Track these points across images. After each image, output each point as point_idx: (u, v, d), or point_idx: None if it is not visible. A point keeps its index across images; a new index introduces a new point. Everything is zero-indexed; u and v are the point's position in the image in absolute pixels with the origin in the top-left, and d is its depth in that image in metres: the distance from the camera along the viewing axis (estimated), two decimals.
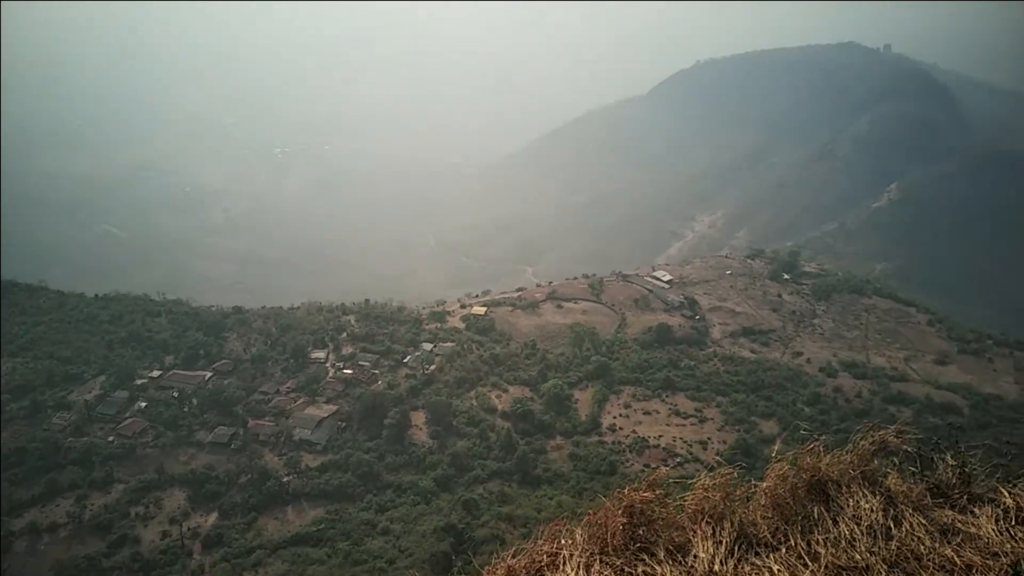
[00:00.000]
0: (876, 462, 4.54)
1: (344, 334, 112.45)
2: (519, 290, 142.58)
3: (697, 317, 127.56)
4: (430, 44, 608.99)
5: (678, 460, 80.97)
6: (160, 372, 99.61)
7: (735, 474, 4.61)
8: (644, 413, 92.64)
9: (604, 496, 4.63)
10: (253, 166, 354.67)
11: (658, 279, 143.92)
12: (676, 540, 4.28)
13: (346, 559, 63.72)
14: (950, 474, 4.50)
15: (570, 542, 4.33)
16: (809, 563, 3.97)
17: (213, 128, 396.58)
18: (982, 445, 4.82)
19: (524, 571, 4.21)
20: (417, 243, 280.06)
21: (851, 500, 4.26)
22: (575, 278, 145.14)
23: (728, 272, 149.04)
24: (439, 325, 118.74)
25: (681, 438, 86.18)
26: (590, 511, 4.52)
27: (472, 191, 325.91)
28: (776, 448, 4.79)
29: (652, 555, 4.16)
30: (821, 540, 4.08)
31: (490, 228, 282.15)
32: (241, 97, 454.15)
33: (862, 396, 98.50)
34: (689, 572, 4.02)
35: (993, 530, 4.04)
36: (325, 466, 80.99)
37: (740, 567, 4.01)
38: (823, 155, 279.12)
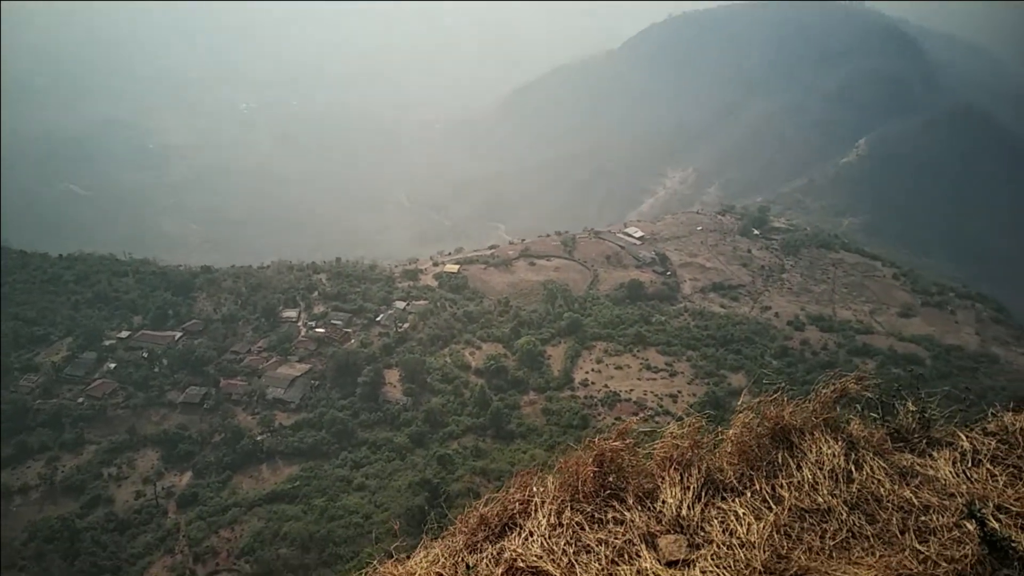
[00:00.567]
0: (838, 409, 4.66)
1: (315, 293, 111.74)
2: (492, 247, 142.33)
3: (668, 273, 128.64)
4: None
5: (649, 413, 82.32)
6: (128, 333, 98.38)
7: (702, 423, 4.71)
8: (616, 368, 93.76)
9: (576, 447, 4.71)
10: (219, 122, 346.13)
11: (630, 235, 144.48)
12: (645, 487, 4.37)
13: (322, 515, 64.42)
14: (910, 419, 4.64)
15: (542, 490, 4.41)
16: (773, 506, 4.09)
17: (177, 83, 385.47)
18: (941, 391, 4.96)
19: (496, 519, 4.29)
20: (388, 200, 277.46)
21: (814, 446, 4.38)
22: (548, 235, 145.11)
23: (699, 228, 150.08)
24: (412, 283, 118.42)
25: (652, 392, 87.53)
26: (561, 460, 4.59)
27: (443, 147, 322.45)
28: (742, 398, 4.89)
29: (622, 501, 4.25)
30: (785, 484, 4.20)
31: (462, 185, 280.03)
32: (205, 52, 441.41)
33: (828, 349, 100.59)
34: (657, 517, 4.12)
35: (950, 472, 4.19)
36: (299, 424, 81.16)
37: (707, 511, 4.12)
38: (793, 111, 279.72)
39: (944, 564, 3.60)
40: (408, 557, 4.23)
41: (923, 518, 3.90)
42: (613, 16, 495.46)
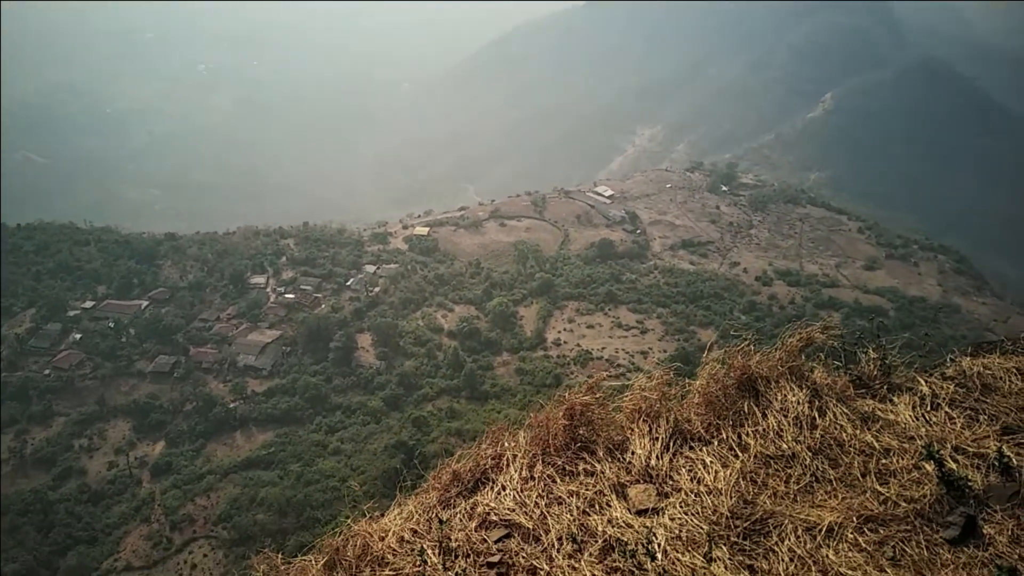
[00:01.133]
0: (803, 358, 4.75)
1: (283, 258, 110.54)
2: (461, 209, 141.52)
3: (638, 231, 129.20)
4: None
5: (621, 370, 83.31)
6: (93, 303, 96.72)
7: (670, 376, 4.77)
8: (588, 327, 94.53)
9: (547, 403, 4.75)
10: (176, 84, 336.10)
11: (600, 194, 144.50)
12: (615, 438, 4.44)
13: (298, 480, 64.64)
14: (872, 366, 4.74)
15: (513, 445, 4.46)
16: (739, 454, 4.17)
17: (130, 45, 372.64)
18: (902, 338, 5.08)
19: (469, 474, 4.33)
20: (355, 163, 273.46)
21: (779, 394, 4.46)
22: (518, 195, 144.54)
23: (668, 186, 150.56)
24: (381, 247, 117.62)
25: (623, 349, 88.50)
26: (532, 415, 4.63)
27: (409, 108, 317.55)
28: (708, 349, 4.96)
29: (592, 453, 4.31)
30: (751, 432, 4.28)
31: (429, 146, 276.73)
32: (158, 9, 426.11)
33: (795, 303, 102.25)
34: (627, 468, 4.19)
35: (910, 416, 4.30)
36: (272, 391, 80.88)
37: (675, 461, 4.20)
38: (760, 66, 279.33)
39: (904, 504, 3.72)
40: (382, 515, 4.26)
41: (884, 461, 4.01)
42: None
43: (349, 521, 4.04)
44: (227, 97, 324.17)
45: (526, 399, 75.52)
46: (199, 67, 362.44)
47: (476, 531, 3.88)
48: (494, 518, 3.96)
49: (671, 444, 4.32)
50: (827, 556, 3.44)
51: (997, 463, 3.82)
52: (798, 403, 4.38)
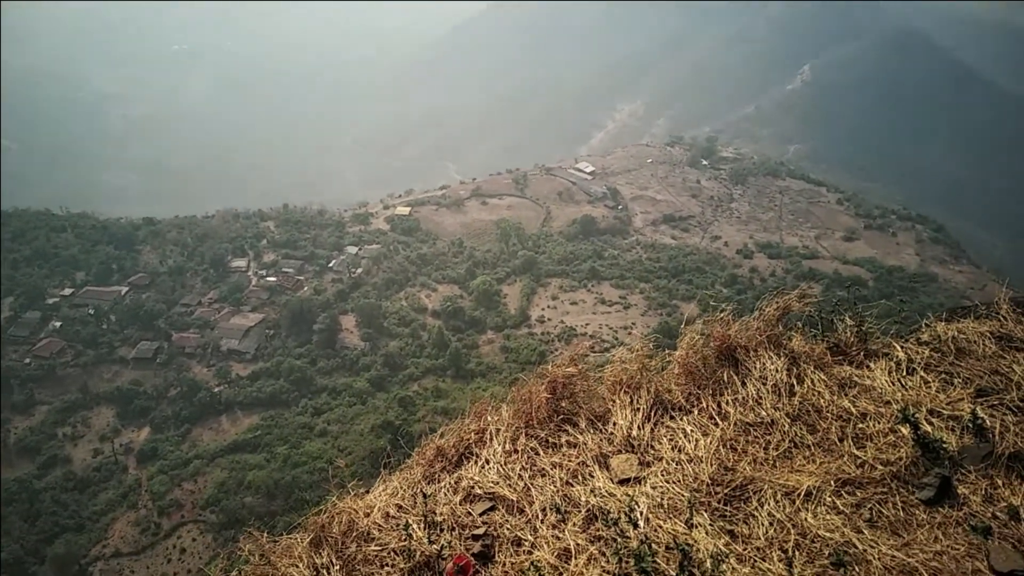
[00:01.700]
0: (781, 327, 4.80)
1: (264, 241, 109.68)
2: (443, 188, 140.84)
3: (620, 207, 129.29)
4: None
5: (605, 346, 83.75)
6: (72, 290, 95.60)
7: (650, 347, 4.81)
8: (571, 303, 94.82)
9: (529, 378, 4.78)
10: (150, 66, 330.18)
11: (581, 171, 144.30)
12: (597, 410, 4.48)
13: (285, 462, 64.65)
14: (849, 333, 4.81)
15: (496, 419, 4.48)
16: (719, 422, 4.23)
17: (100, 26, 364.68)
18: (878, 304, 5.14)
19: (453, 449, 4.36)
20: (334, 143, 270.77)
21: (758, 363, 4.52)
22: (499, 173, 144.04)
23: (649, 161, 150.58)
24: (363, 227, 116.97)
25: (607, 325, 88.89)
26: (515, 389, 4.66)
27: (387, 87, 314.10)
28: (685, 319, 5.01)
29: (575, 425, 4.35)
30: (730, 400, 4.34)
31: (409, 124, 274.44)
32: None
33: (776, 275, 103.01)
34: (609, 438, 4.23)
35: (886, 381, 4.36)
36: (256, 374, 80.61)
37: (656, 430, 4.24)
38: (739, 39, 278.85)
39: (880, 467, 3.79)
40: (367, 492, 4.28)
41: (860, 425, 4.07)
42: None
43: (334, 498, 4.05)
44: (203, 79, 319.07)
45: (511, 377, 75.80)
46: (172, 48, 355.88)
47: (461, 504, 3.91)
48: (478, 491, 3.99)
49: (652, 414, 4.36)
50: (806, 519, 3.51)
51: (971, 425, 3.90)
52: (776, 371, 4.43)
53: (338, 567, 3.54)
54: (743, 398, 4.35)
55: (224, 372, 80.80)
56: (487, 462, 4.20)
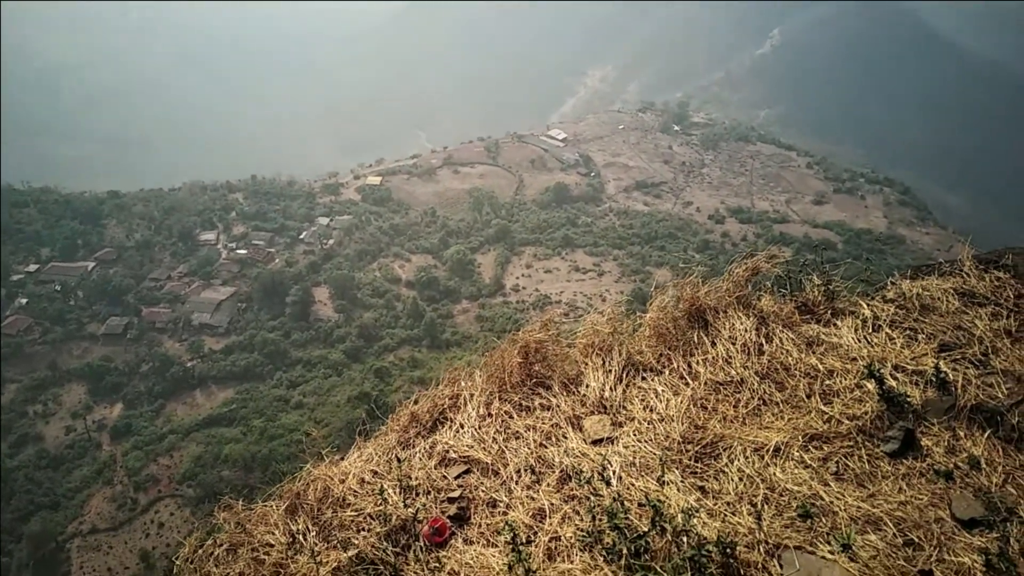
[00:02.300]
0: (750, 288, 4.85)
1: (233, 213, 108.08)
2: (414, 156, 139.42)
3: (592, 174, 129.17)
4: None
5: (579, 314, 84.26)
6: (37, 266, 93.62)
7: (622, 310, 4.84)
8: (545, 272, 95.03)
9: (502, 343, 4.79)
10: (108, 35, 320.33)
11: (553, 138, 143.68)
12: (569, 373, 4.51)
13: (262, 435, 64.50)
14: (816, 293, 4.87)
15: (470, 384, 4.50)
16: (690, 381, 4.28)
17: None
18: (845, 263, 5.21)
19: (427, 415, 4.37)
20: (301, 113, 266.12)
21: (727, 323, 4.57)
22: (470, 141, 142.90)
23: (621, 127, 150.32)
24: (333, 198, 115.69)
25: (581, 292, 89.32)
26: (488, 354, 4.68)
27: (356, 55, 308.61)
28: (655, 282, 5.06)
29: (548, 388, 4.38)
30: (700, 360, 4.39)
31: (378, 93, 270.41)
32: None
33: (747, 239, 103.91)
34: (582, 400, 4.27)
35: (852, 338, 4.44)
36: (230, 348, 79.97)
37: (628, 391, 4.29)
38: (708, 3, 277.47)
39: (847, 421, 3.87)
40: (342, 459, 4.29)
41: (827, 382, 4.15)
42: None
43: (309, 466, 4.05)
44: (163, 48, 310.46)
45: (487, 346, 75.90)
46: (132, 15, 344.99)
47: (436, 469, 3.94)
48: (453, 455, 4.02)
49: (624, 376, 4.41)
50: (774, 474, 3.58)
51: (935, 379, 3.99)
52: (745, 331, 4.49)
53: (314, 533, 3.55)
54: (713, 358, 4.41)
55: (197, 346, 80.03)
56: (461, 427, 4.23)
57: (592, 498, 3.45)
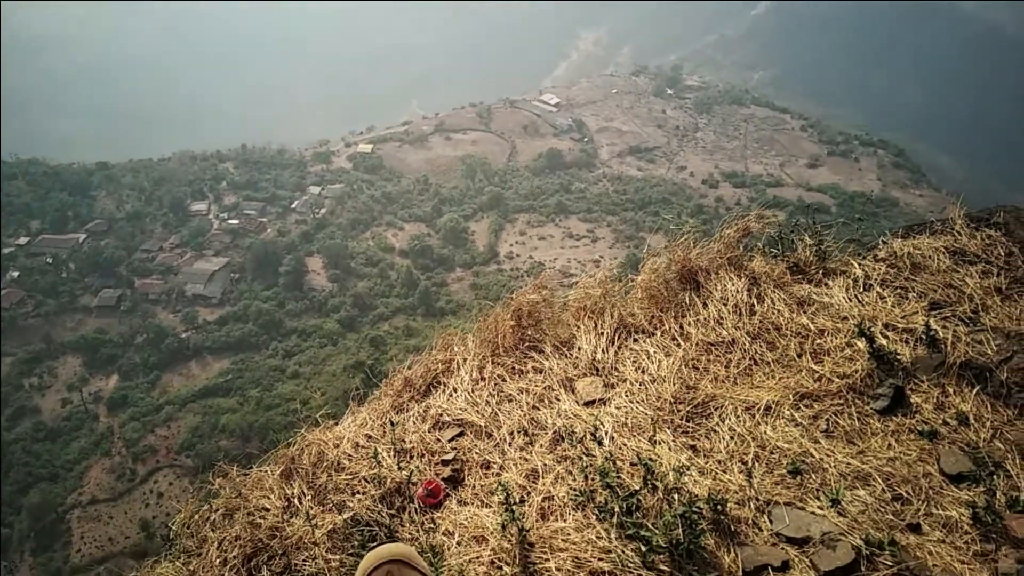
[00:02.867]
0: (741, 248, 4.85)
1: (224, 183, 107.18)
2: (405, 123, 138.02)
3: (586, 139, 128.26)
4: None
5: (573, 280, 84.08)
6: (28, 239, 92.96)
7: (613, 272, 4.84)
8: (539, 239, 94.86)
9: (494, 307, 4.79)
10: (95, 7, 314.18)
11: (546, 103, 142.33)
12: (562, 336, 4.53)
13: (258, 405, 64.76)
14: (808, 253, 4.88)
15: (463, 349, 4.51)
16: (682, 342, 4.30)
17: None
18: (836, 224, 5.21)
19: (421, 379, 4.39)
20: (290, 81, 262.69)
21: (719, 284, 4.57)
22: (462, 107, 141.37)
23: (614, 91, 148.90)
24: (325, 166, 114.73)
25: (575, 259, 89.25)
26: (481, 319, 4.68)
27: (346, 21, 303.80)
28: (649, 245, 5.05)
29: (540, 351, 4.40)
30: (692, 322, 4.40)
31: (367, 60, 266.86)
32: None
33: (741, 204, 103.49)
34: (574, 363, 4.29)
35: (843, 298, 4.46)
36: (224, 318, 79.90)
37: (620, 353, 4.31)
38: None
39: (837, 380, 3.90)
40: (336, 424, 4.31)
41: (818, 341, 4.17)
42: None
43: (304, 431, 4.07)
44: (151, 19, 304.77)
45: (482, 313, 75.99)
46: None
47: (430, 432, 3.96)
48: (447, 419, 4.04)
49: (616, 338, 4.42)
50: (765, 432, 3.61)
51: (925, 336, 4.01)
52: (737, 291, 4.50)
53: (309, 496, 3.58)
54: (705, 319, 4.42)
55: (191, 317, 79.94)
56: (455, 390, 4.24)
57: (584, 458, 3.48)
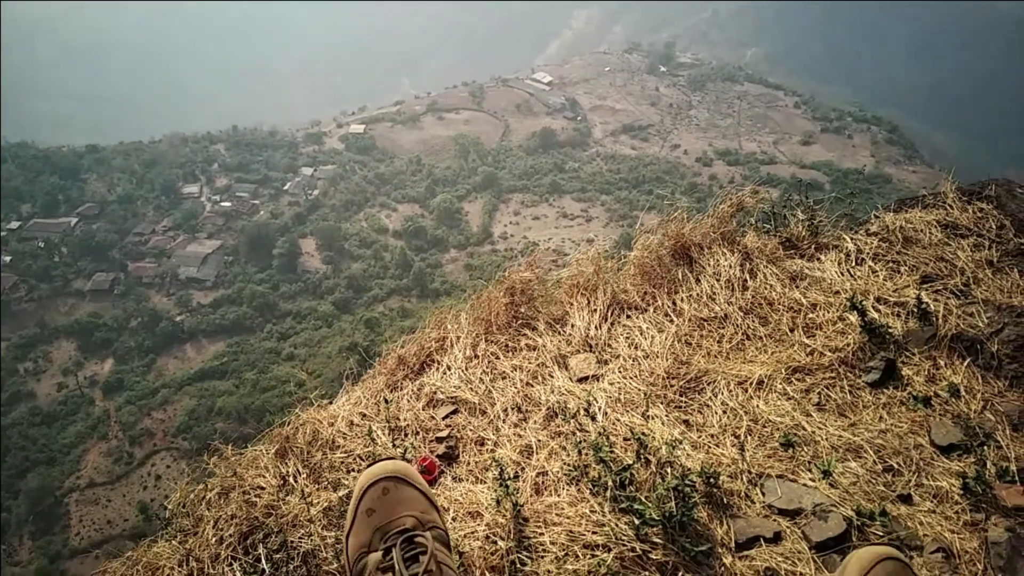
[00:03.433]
0: (734, 224, 4.85)
1: (215, 165, 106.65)
2: (397, 103, 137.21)
3: (579, 118, 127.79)
4: None
5: (567, 260, 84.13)
6: (19, 223, 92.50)
7: (606, 249, 4.85)
8: (533, 219, 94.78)
9: (487, 285, 4.79)
10: None
11: (539, 81, 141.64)
12: (555, 313, 4.53)
13: (254, 387, 64.88)
14: (800, 228, 4.88)
15: (456, 327, 4.51)
16: (674, 318, 4.31)
17: None
18: (829, 198, 5.21)
19: (414, 358, 4.39)
20: (282, 61, 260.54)
21: (712, 260, 4.58)
22: (455, 87, 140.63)
23: (607, 69, 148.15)
24: (317, 147, 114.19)
25: (569, 239, 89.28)
26: (474, 297, 4.69)
27: (332, 3, 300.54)
28: (641, 221, 5.05)
29: (534, 328, 4.40)
30: (685, 297, 4.42)
31: (358, 40, 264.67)
32: None
33: (735, 182, 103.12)
34: (568, 340, 4.30)
35: (836, 272, 4.47)
36: (218, 301, 79.85)
37: (613, 330, 4.32)
38: None
39: (829, 354, 3.92)
40: (331, 403, 4.31)
41: (811, 315, 4.19)
42: None
43: (298, 410, 4.08)
44: (139, 2, 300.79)
45: (476, 293, 76.06)
46: None
47: (424, 410, 3.97)
48: (441, 396, 4.05)
49: (609, 315, 4.43)
50: (757, 406, 3.63)
51: (916, 310, 4.02)
52: (730, 267, 4.51)
53: (304, 475, 3.59)
54: (697, 294, 4.43)
55: (185, 300, 79.87)
56: (448, 368, 4.25)
57: (578, 434, 3.50)
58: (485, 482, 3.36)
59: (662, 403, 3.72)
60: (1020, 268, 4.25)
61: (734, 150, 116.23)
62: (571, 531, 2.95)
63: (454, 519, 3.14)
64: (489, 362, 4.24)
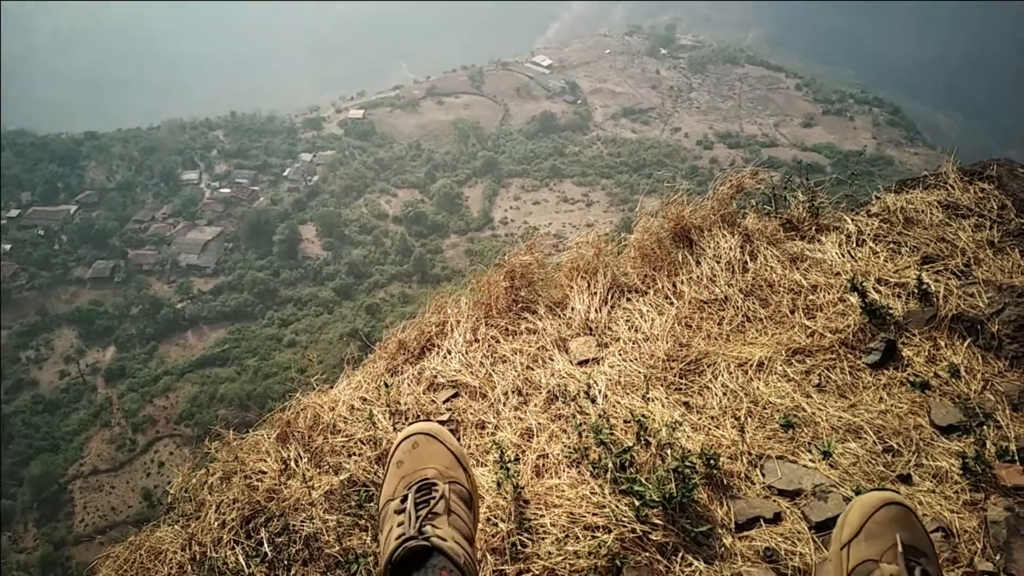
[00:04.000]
0: (734, 205, 4.84)
1: (214, 151, 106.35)
2: (396, 88, 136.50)
3: (579, 102, 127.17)
4: None
5: (568, 245, 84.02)
6: (18, 211, 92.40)
7: (606, 232, 4.83)
8: (534, 203, 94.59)
9: (487, 270, 4.79)
10: None
11: (538, 64, 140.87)
12: (555, 297, 4.53)
13: (256, 374, 65.05)
14: (801, 209, 4.87)
15: (456, 311, 4.51)
16: (675, 301, 4.31)
17: None
18: (830, 180, 5.19)
19: (415, 342, 4.40)
20: (279, 46, 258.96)
21: (712, 242, 4.57)
22: (453, 71, 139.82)
23: (607, 52, 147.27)
24: (316, 133, 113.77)
25: (570, 223, 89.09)
26: (474, 281, 4.68)
27: None
28: (641, 204, 5.03)
29: (534, 312, 4.40)
30: (685, 280, 4.41)
31: (356, 23, 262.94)
32: None
33: (735, 165, 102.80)
34: (568, 323, 4.30)
35: (836, 253, 4.46)
36: (219, 288, 79.91)
37: (613, 313, 4.32)
38: None
39: (829, 335, 3.91)
40: (331, 388, 4.32)
41: (811, 297, 4.18)
42: None
43: (299, 395, 4.09)
44: None
45: (475, 276, 76.06)
46: None
47: (424, 393, 3.98)
48: (441, 380, 4.06)
49: (609, 298, 4.42)
50: (757, 388, 3.64)
51: (917, 290, 4.02)
52: (730, 249, 4.49)
53: (306, 459, 3.61)
54: (697, 277, 4.43)
55: (185, 288, 79.92)
56: (449, 352, 4.25)
57: (578, 416, 3.51)
58: (486, 465, 3.37)
59: (662, 385, 3.72)
60: (1021, 248, 4.23)
61: (735, 133, 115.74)
62: (571, 513, 2.96)
63: None
64: (489, 346, 4.25)
